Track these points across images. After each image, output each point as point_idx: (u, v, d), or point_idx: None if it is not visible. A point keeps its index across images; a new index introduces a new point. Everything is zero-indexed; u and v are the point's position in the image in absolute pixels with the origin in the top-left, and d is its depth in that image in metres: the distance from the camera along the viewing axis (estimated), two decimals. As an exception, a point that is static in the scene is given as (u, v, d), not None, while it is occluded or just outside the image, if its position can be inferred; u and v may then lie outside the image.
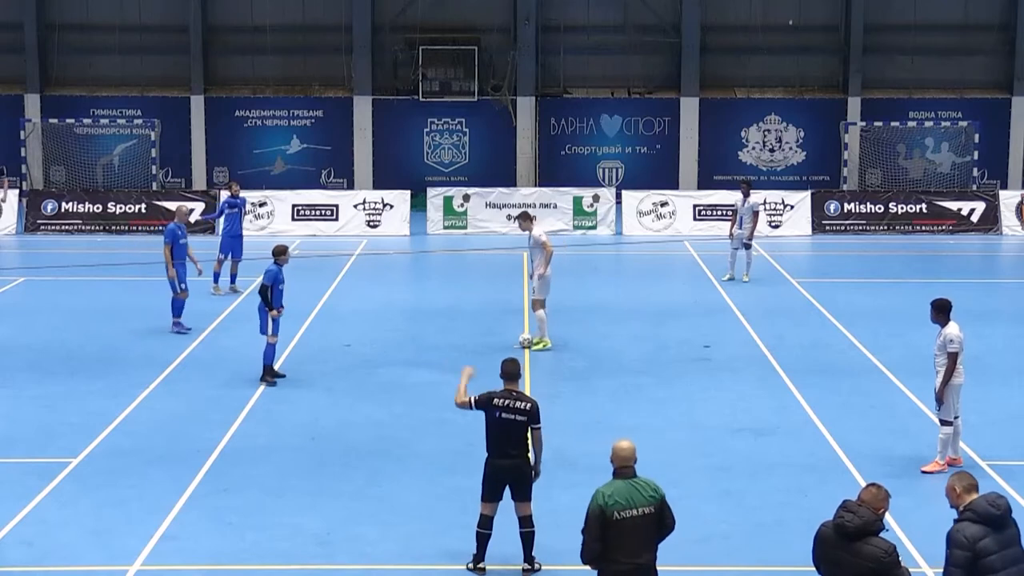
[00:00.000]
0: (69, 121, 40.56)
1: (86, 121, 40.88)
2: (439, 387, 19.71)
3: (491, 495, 12.88)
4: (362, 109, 41.15)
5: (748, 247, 28.24)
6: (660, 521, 10.46)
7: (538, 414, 12.80)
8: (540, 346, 21.91)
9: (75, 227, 35.27)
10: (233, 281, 26.82)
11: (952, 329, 15.62)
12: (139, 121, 40.76)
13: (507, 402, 12.78)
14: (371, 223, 35.39)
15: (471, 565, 12.98)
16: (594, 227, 35.63)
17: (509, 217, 35.00)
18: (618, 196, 36.46)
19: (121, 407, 18.50)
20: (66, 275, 29.26)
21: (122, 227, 35.35)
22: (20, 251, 33.24)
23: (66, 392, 19.45)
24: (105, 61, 41.61)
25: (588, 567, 10.58)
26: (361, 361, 21.42)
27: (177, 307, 23.28)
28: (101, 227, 35.31)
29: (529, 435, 12.79)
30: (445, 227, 35.56)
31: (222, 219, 27.56)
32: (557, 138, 41.60)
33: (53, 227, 35.31)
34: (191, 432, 17.42)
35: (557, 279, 22.71)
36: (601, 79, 41.74)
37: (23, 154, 40.14)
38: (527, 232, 22.22)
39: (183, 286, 23.24)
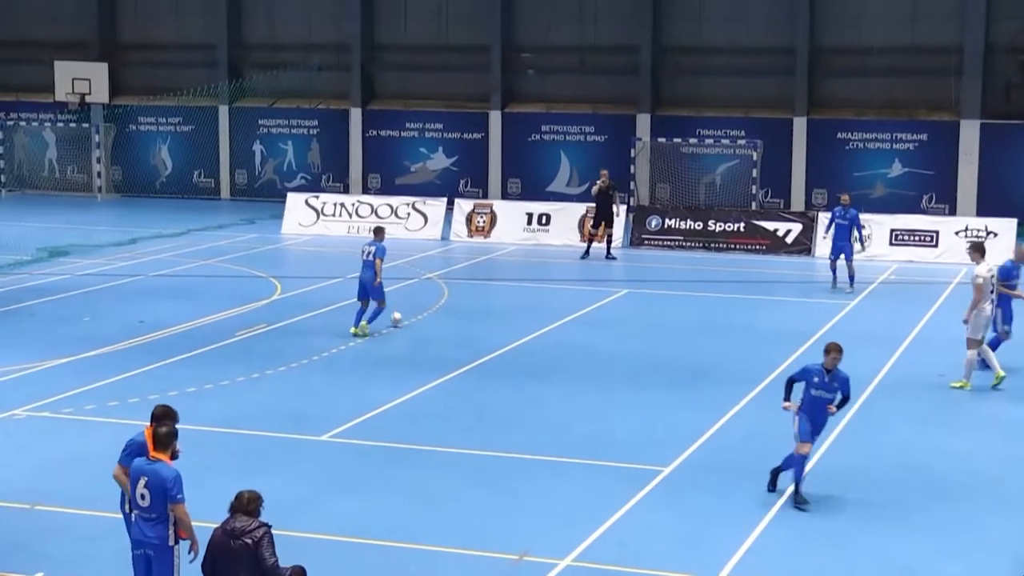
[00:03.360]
0: (676, 140, 42.00)
1: (692, 141, 42.17)
2: (1039, 426, 18.84)
3: None
4: (969, 133, 39.89)
5: None
6: None
7: None
8: (959, 385, 20.88)
9: (676, 243, 36.44)
10: (852, 280, 29.44)
11: None
12: (742, 142, 41.57)
13: None
14: (973, 251, 34.19)
15: None
16: None
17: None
18: None
19: (713, 420, 18.97)
20: (666, 289, 30.31)
21: (721, 245, 36.15)
22: (625, 264, 34.76)
23: (661, 402, 20.18)
24: (713, 83, 42.73)
25: None
26: (956, 392, 20.81)
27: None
28: (701, 244, 36.27)
29: None
30: (1053, 258, 33.79)
31: (833, 229, 29.85)
32: None
33: (656, 242, 36.65)
34: (779, 449, 17.56)
35: None
36: None
37: (632, 171, 41.97)
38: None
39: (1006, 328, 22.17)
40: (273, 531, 11.01)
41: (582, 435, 18.36)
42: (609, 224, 34.94)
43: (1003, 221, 34.67)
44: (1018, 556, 13.96)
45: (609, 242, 34.93)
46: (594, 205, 35.38)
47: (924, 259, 34.28)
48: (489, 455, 17.47)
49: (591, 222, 35.61)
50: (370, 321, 24.51)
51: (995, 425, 19.03)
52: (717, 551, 13.96)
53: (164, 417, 11.98)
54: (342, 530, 14.56)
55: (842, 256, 29.32)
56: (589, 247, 35.13)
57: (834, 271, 29.67)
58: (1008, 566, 13.68)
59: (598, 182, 35.14)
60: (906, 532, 14.64)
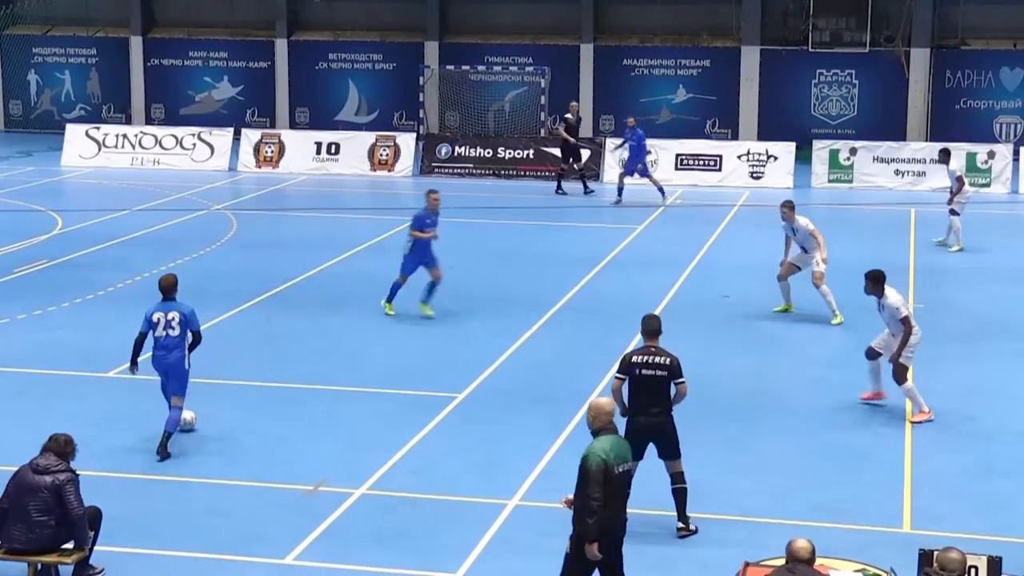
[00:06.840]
0: (465, 68, 41.95)
1: (480, 68, 42.15)
2: (821, 342, 19.51)
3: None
4: (749, 59, 40.77)
5: None
6: (631, 479, 10.97)
7: (679, 368, 12.82)
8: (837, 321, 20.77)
9: (466, 170, 36.47)
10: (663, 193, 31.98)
11: (893, 298, 15.93)
12: (530, 68, 41.72)
13: (646, 358, 12.86)
14: (754, 174, 35.12)
15: None
16: (988, 184, 34.17)
17: (898, 172, 34.21)
18: (1016, 153, 34.87)
19: (505, 346, 19.14)
20: (456, 216, 30.29)
21: (510, 172, 36.32)
22: (415, 192, 34.63)
23: (453, 329, 20.26)
24: (500, 9, 42.69)
25: (590, 522, 10.28)
26: (741, 313, 21.39)
27: None
28: (491, 171, 36.38)
29: (672, 390, 12.82)
30: (830, 180, 34.91)
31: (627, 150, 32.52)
32: (952, 91, 40.03)
33: (446, 170, 36.62)
34: (570, 375, 17.85)
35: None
36: (1002, 30, 39.87)
37: (421, 99, 41.79)
38: (789, 222, 21.02)
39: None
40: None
41: (375, 364, 18.36)
42: (578, 159, 34.45)
43: (782, 145, 35.60)
44: (803, 470, 14.47)
45: (584, 177, 34.09)
46: (563, 140, 34.19)
47: (708, 183, 35.01)
48: (282, 386, 17.34)
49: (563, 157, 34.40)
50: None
51: (777, 343, 19.62)
52: (510, 476, 14.13)
53: None
54: (133, 467, 14.31)
55: (636, 175, 31.83)
56: (560, 182, 33.97)
57: (620, 188, 31.89)
58: (794, 480, 14.16)
59: (567, 116, 34.43)
60: (694, 449, 14.97)
